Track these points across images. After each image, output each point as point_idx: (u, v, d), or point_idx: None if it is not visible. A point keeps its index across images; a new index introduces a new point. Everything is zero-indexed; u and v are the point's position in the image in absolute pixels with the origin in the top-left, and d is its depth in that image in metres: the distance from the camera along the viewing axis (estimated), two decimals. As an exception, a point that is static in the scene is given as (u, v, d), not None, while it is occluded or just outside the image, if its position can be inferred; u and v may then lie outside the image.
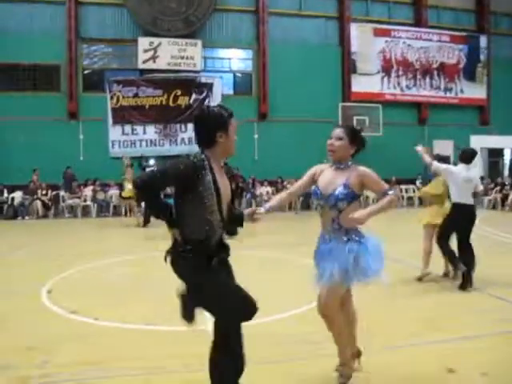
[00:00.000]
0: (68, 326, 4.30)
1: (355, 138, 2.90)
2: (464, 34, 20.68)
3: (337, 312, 2.90)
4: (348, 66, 19.23)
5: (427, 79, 20.32)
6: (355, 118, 18.41)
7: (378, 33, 19.49)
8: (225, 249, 2.62)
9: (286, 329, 4.16)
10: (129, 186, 11.46)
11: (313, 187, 2.97)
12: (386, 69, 19.74)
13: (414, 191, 17.88)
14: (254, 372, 2.83)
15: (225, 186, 2.53)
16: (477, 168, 5.68)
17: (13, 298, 5.28)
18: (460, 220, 5.51)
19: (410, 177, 18.17)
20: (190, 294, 2.55)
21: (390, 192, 2.84)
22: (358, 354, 3.11)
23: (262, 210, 2.82)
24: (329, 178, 2.92)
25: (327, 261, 2.84)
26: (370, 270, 2.80)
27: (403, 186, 18.23)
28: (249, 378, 2.66)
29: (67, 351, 3.69)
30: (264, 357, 3.39)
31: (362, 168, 2.89)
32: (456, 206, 5.50)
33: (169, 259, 2.53)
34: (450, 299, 5.16)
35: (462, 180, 5.45)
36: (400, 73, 19.97)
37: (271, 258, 7.65)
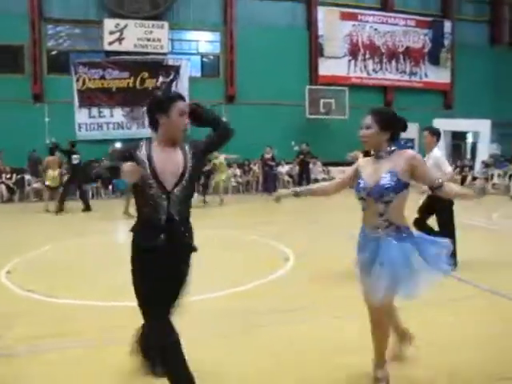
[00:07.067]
0: (24, 304, 4.50)
1: (386, 123, 2.67)
2: (429, 18, 21.09)
3: (386, 315, 2.76)
4: (315, 50, 19.41)
5: (393, 63, 20.70)
6: (322, 100, 18.71)
7: (344, 17, 19.69)
8: (173, 236, 2.51)
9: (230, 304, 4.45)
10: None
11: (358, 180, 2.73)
12: (353, 52, 20.02)
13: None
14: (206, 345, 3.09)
15: (168, 164, 2.50)
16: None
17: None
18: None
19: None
20: None
21: (440, 181, 2.60)
22: (410, 337, 3.02)
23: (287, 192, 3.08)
24: (371, 167, 2.68)
25: (385, 261, 2.55)
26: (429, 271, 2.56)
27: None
28: (197, 350, 2.91)
29: (23, 326, 3.90)
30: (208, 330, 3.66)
31: (410, 152, 2.65)
32: None
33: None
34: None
35: None
36: (367, 56, 20.27)
37: (229, 236, 7.95)
